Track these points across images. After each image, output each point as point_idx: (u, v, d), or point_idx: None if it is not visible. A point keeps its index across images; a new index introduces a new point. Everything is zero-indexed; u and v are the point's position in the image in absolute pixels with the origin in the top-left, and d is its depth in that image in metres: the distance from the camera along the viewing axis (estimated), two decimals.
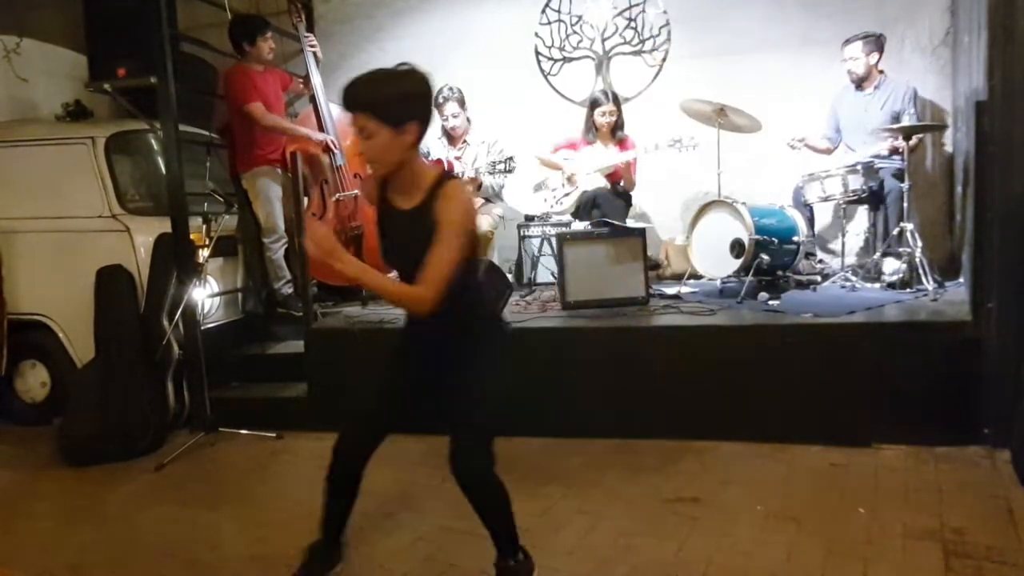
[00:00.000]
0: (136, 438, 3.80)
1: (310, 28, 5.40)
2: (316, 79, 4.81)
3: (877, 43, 4.40)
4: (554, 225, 4.89)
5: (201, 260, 4.02)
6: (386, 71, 2.17)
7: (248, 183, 4.58)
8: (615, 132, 4.82)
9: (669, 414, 3.50)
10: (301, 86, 4.88)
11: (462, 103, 4.92)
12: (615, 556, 2.48)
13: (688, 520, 2.70)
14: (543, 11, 5.41)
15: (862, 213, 4.86)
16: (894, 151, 4.29)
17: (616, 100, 4.81)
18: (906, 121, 4.25)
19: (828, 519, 2.63)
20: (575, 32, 5.39)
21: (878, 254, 4.25)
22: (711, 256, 4.30)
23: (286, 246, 4.67)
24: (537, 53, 5.45)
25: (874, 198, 4.29)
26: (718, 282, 4.40)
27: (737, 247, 4.12)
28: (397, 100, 2.03)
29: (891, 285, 4.03)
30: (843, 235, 4.42)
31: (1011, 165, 2.99)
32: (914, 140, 4.17)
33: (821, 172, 4.26)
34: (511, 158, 4.74)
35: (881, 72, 4.48)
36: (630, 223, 4.54)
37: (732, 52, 5.04)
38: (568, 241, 4.13)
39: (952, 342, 3.19)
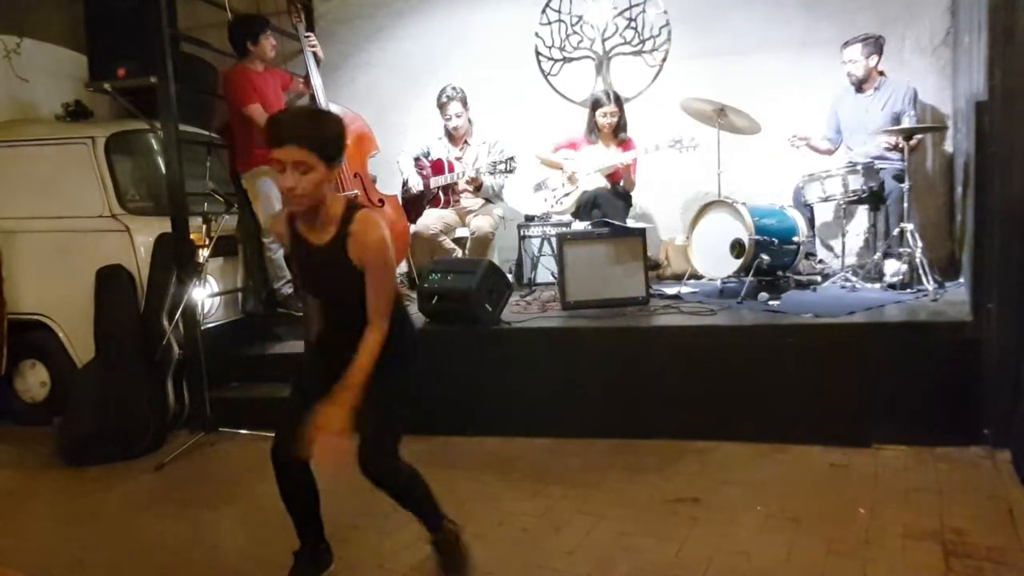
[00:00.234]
0: (136, 438, 3.80)
1: (310, 28, 5.40)
2: (316, 79, 4.81)
3: (876, 45, 4.40)
4: (554, 225, 4.89)
5: (201, 260, 4.02)
6: (318, 110, 2.46)
7: (248, 183, 4.58)
8: (617, 133, 4.82)
9: (669, 414, 3.50)
10: (302, 85, 4.89)
11: (464, 103, 4.92)
12: (615, 556, 2.48)
13: (688, 520, 2.70)
14: (543, 11, 5.41)
15: (862, 213, 4.85)
16: (893, 148, 4.29)
17: (618, 101, 4.81)
18: (906, 122, 4.24)
19: (828, 519, 2.63)
20: (575, 32, 5.39)
21: (878, 254, 4.25)
22: (711, 256, 4.30)
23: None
24: (537, 53, 5.45)
25: (874, 198, 4.29)
26: (718, 282, 4.40)
27: (737, 247, 4.12)
28: (334, 139, 2.10)
29: (891, 285, 4.03)
30: (843, 235, 4.42)
31: (1011, 165, 2.99)
32: (914, 140, 4.18)
33: (821, 172, 4.26)
34: (512, 158, 4.75)
35: (881, 74, 4.48)
36: (630, 223, 4.54)
37: (732, 52, 5.04)
38: (568, 241, 4.13)
39: (952, 342, 3.19)
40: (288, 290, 4.68)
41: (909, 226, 3.97)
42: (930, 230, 4.51)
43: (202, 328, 4.06)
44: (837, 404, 3.30)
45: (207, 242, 4.04)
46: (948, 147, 4.74)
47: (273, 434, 2.38)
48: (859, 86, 4.51)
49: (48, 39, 5.04)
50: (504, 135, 5.03)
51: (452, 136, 5.03)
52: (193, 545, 2.81)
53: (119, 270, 4.08)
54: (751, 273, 4.04)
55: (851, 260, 4.61)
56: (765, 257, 4.02)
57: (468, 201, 5.02)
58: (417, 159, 5.06)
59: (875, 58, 4.41)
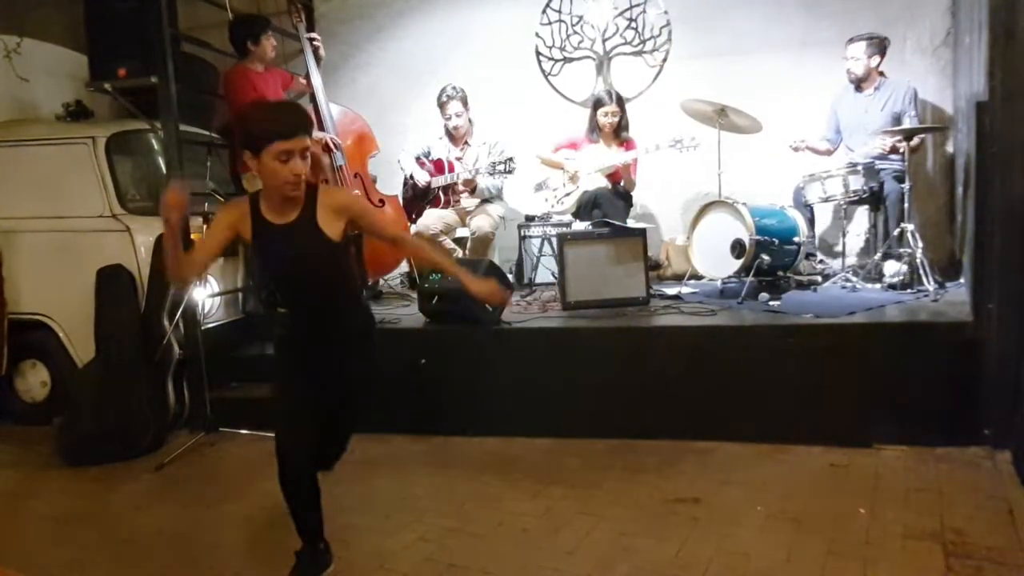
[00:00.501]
0: (136, 438, 3.80)
1: (310, 28, 5.40)
2: (316, 79, 4.81)
3: (880, 46, 4.40)
4: (555, 225, 4.89)
5: None
6: (287, 101, 2.60)
7: (249, 183, 4.55)
8: (618, 132, 4.81)
9: (669, 414, 3.50)
10: (303, 84, 4.88)
11: (465, 103, 4.92)
12: (615, 556, 2.48)
13: (688, 520, 2.70)
14: (543, 11, 5.41)
15: (863, 214, 4.85)
16: (893, 150, 4.29)
17: (620, 101, 4.80)
18: (907, 122, 4.25)
19: (828, 519, 2.62)
20: (576, 32, 5.39)
21: (879, 255, 4.24)
22: (712, 256, 4.30)
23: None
24: (538, 53, 5.45)
25: (875, 199, 4.29)
26: (719, 282, 4.40)
27: (738, 247, 4.11)
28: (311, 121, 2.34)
29: (892, 286, 4.02)
30: (844, 236, 4.41)
31: (1012, 166, 2.98)
32: (915, 141, 4.17)
33: (822, 173, 4.26)
34: (511, 159, 4.75)
35: (881, 74, 4.48)
36: (631, 223, 4.54)
37: (733, 52, 5.04)
38: (569, 241, 4.13)
39: (953, 343, 3.19)
40: None
41: (909, 226, 3.96)
42: (930, 230, 4.51)
43: (202, 328, 4.06)
44: (837, 404, 3.29)
45: None
46: (949, 147, 4.74)
47: (277, 432, 2.40)
48: (858, 85, 4.51)
49: (48, 39, 5.05)
50: (504, 135, 5.03)
51: (452, 136, 5.02)
52: (193, 545, 2.81)
53: (119, 270, 4.08)
54: (751, 273, 4.04)
55: (852, 260, 4.61)
56: (766, 257, 4.02)
57: (468, 201, 5.02)
58: (417, 159, 5.06)
59: (877, 58, 4.41)
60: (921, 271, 3.93)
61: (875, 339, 3.33)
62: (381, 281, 5.26)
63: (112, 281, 4.07)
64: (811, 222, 4.52)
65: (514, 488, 3.09)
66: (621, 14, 5.28)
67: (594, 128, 4.83)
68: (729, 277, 4.27)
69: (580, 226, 4.54)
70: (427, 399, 3.78)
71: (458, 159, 5.00)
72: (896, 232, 4.05)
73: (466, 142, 5.03)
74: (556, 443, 3.55)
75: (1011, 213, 2.99)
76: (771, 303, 3.91)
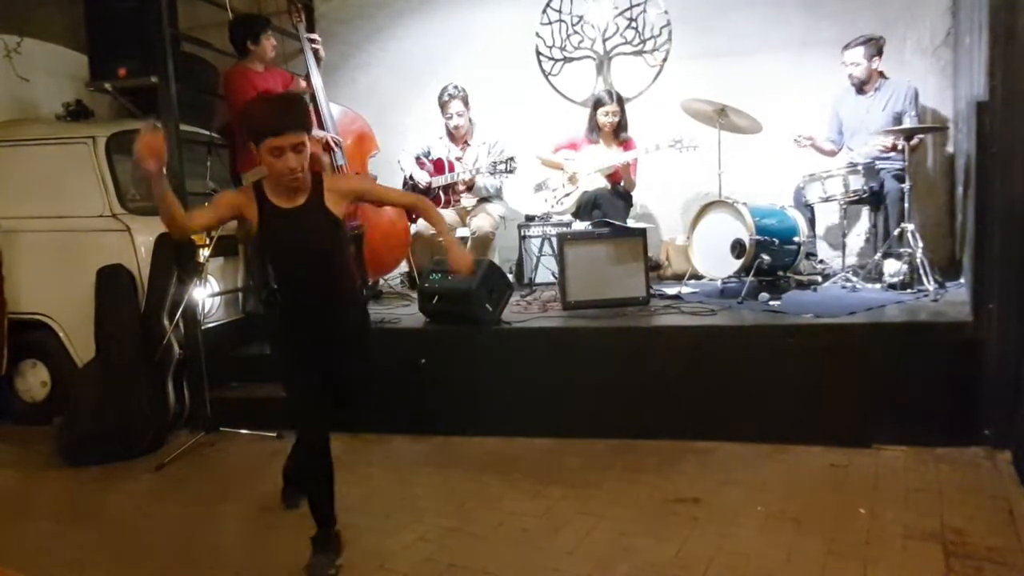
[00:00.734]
0: (136, 438, 3.80)
1: (310, 28, 5.40)
2: (316, 79, 4.81)
3: (877, 46, 4.40)
4: (555, 225, 4.89)
5: (202, 260, 4.01)
6: (284, 95, 2.85)
7: (249, 183, 4.57)
8: (618, 132, 4.82)
9: (670, 414, 3.50)
10: (303, 84, 4.88)
11: (466, 102, 4.92)
12: (615, 556, 2.48)
13: (688, 521, 2.70)
14: (544, 11, 5.41)
15: (863, 213, 4.86)
16: (893, 148, 4.29)
17: (620, 100, 4.81)
18: (907, 122, 4.25)
19: (828, 519, 2.62)
20: (576, 32, 5.39)
21: (879, 255, 4.24)
22: (712, 256, 4.30)
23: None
24: (538, 53, 5.46)
25: (875, 199, 4.29)
26: (719, 282, 4.40)
27: (738, 247, 4.11)
28: (309, 113, 2.45)
29: (892, 286, 4.02)
30: (844, 236, 4.41)
31: (1012, 166, 2.98)
32: (915, 140, 4.17)
33: (822, 172, 4.26)
34: (512, 158, 4.75)
35: (881, 74, 4.48)
36: (631, 223, 4.54)
37: (733, 52, 5.04)
38: (569, 241, 4.13)
39: (953, 343, 3.19)
40: None
41: (910, 226, 3.96)
42: (931, 230, 4.52)
43: (202, 328, 4.06)
44: (837, 404, 3.29)
45: (208, 242, 4.04)
46: (949, 147, 4.74)
47: (295, 420, 2.53)
48: (860, 87, 4.51)
49: (49, 39, 5.05)
50: (504, 135, 5.03)
51: (453, 136, 5.03)
52: (193, 545, 2.81)
53: (120, 270, 4.08)
54: (752, 273, 4.04)
55: (852, 260, 4.61)
56: (766, 257, 4.02)
57: (468, 201, 5.01)
58: (418, 159, 5.06)
59: (876, 59, 4.41)
60: (921, 271, 3.93)
61: (875, 339, 3.33)
62: (381, 281, 5.26)
63: (112, 281, 4.06)
64: (811, 222, 4.52)
65: (514, 488, 3.09)
66: (621, 14, 5.28)
67: (594, 128, 4.83)
68: (729, 277, 4.27)
69: (580, 226, 4.54)
70: (427, 399, 3.78)
71: (458, 159, 5.00)
72: (896, 232, 4.05)
73: (466, 142, 5.03)
74: (556, 443, 3.55)
75: (1011, 213, 2.99)
76: (771, 303, 3.90)
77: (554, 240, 4.65)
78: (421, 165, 5.03)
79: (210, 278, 4.21)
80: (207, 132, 4.82)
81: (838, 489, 2.88)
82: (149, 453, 3.77)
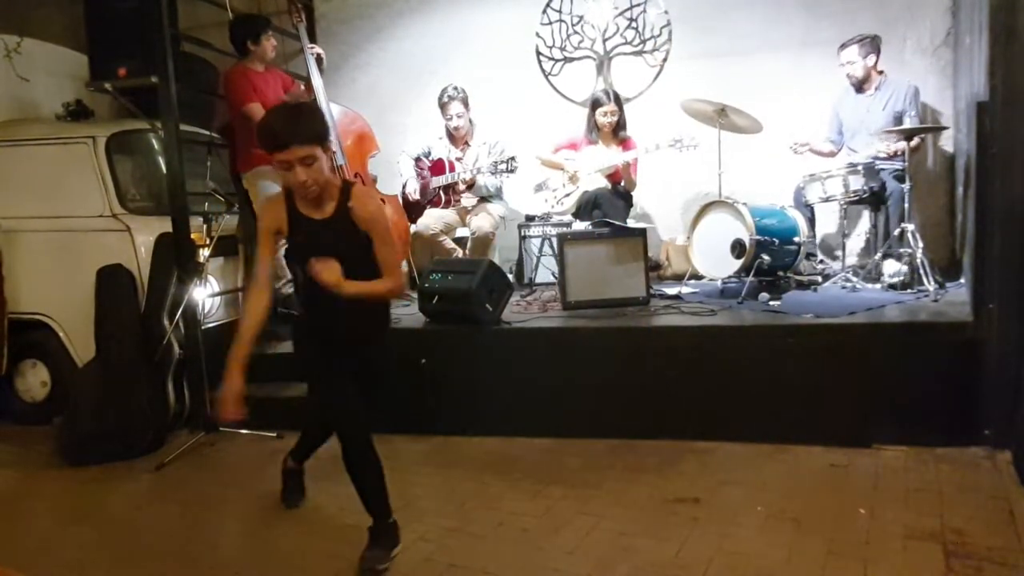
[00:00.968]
0: (136, 438, 3.80)
1: (311, 28, 5.41)
2: (317, 81, 4.80)
3: (873, 45, 4.40)
4: (555, 225, 4.89)
5: (202, 260, 4.02)
6: (296, 105, 2.73)
7: (249, 183, 4.57)
8: (617, 132, 4.82)
9: (670, 414, 3.50)
10: (303, 89, 4.88)
11: (466, 103, 4.92)
12: (615, 556, 2.48)
13: (688, 521, 2.69)
14: (544, 11, 5.41)
15: (863, 214, 4.85)
16: (895, 154, 4.29)
17: (618, 100, 4.80)
18: (908, 121, 4.24)
19: (828, 520, 2.62)
20: (576, 32, 5.39)
21: (879, 255, 4.24)
22: (712, 256, 4.30)
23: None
24: (538, 53, 5.46)
25: (875, 199, 4.29)
26: (719, 282, 4.40)
27: (738, 247, 4.11)
28: (322, 124, 2.36)
29: (892, 286, 4.02)
30: (844, 236, 4.41)
31: (1012, 166, 2.98)
32: (915, 140, 4.17)
33: (822, 173, 4.26)
34: (513, 158, 4.75)
35: (880, 73, 4.48)
36: (631, 223, 4.54)
37: (733, 52, 5.04)
38: (569, 241, 4.13)
39: (953, 343, 3.19)
40: (288, 290, 4.67)
41: (910, 226, 3.96)
42: (931, 230, 4.51)
43: (202, 328, 4.06)
44: (838, 404, 3.29)
45: (208, 242, 4.04)
46: (949, 147, 4.74)
47: (332, 416, 2.55)
48: (859, 86, 4.51)
49: (49, 38, 5.05)
50: (504, 135, 5.03)
51: (453, 136, 5.03)
52: (193, 545, 2.81)
53: (120, 270, 4.08)
54: (752, 273, 4.04)
55: (852, 260, 4.61)
56: (766, 257, 4.02)
57: (468, 200, 5.02)
58: (418, 159, 5.06)
59: (873, 58, 4.41)
60: (921, 271, 3.93)
61: (875, 339, 3.33)
62: None
63: (112, 281, 4.07)
64: (811, 222, 4.52)
65: (514, 488, 3.09)
66: (621, 14, 5.28)
67: (592, 128, 4.83)
68: (729, 277, 4.27)
69: (580, 226, 4.54)
70: (427, 399, 3.78)
71: (458, 159, 5.00)
72: (896, 232, 4.05)
73: (466, 142, 5.03)
74: (556, 443, 3.55)
75: (1011, 213, 2.99)
76: (771, 303, 3.90)
77: (554, 240, 4.65)
78: (421, 166, 5.03)
79: (210, 278, 4.21)
80: (207, 132, 4.82)
81: (838, 489, 2.88)
82: (149, 453, 3.77)
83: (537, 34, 5.44)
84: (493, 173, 4.84)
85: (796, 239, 4.23)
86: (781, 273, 4.30)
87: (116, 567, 2.68)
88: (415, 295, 4.23)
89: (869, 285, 4.09)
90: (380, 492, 2.50)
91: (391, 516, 2.51)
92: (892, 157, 4.31)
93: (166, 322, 3.99)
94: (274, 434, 3.87)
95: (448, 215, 4.96)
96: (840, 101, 4.65)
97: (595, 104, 4.80)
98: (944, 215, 4.77)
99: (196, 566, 2.64)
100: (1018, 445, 2.88)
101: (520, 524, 2.76)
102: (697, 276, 4.59)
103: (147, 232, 4.15)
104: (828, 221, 4.90)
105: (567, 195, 4.91)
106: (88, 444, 3.74)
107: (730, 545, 2.50)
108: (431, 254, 4.80)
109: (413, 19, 5.76)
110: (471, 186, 4.97)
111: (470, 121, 5.01)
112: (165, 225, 4.08)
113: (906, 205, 4.01)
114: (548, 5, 5.40)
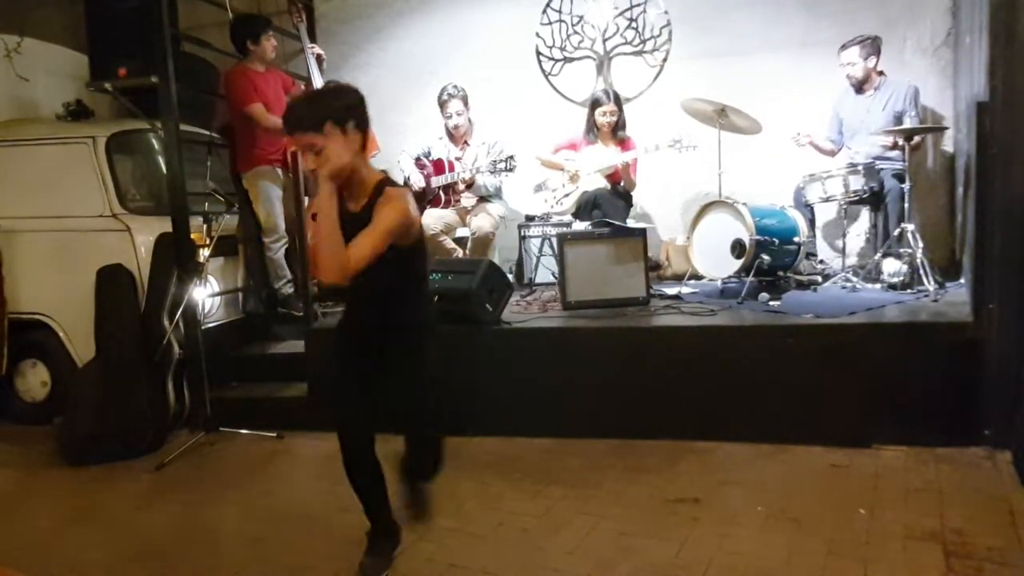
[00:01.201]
0: (136, 438, 3.80)
1: (311, 28, 5.41)
2: (317, 81, 4.81)
3: (873, 46, 4.40)
4: (555, 225, 4.89)
5: (202, 260, 4.02)
6: (318, 91, 2.70)
7: (249, 183, 4.58)
8: (616, 132, 4.82)
9: (670, 414, 3.50)
10: (303, 89, 4.88)
11: (465, 102, 4.92)
12: (615, 556, 2.48)
13: (688, 520, 2.70)
14: (544, 11, 5.41)
15: (863, 214, 4.86)
16: (893, 148, 4.29)
17: (617, 100, 4.80)
18: (908, 121, 4.25)
19: (828, 520, 2.62)
20: (576, 32, 5.39)
21: (879, 255, 4.24)
22: (712, 256, 4.30)
23: (287, 246, 4.67)
24: (538, 53, 5.45)
25: (875, 199, 4.29)
26: (719, 282, 4.40)
27: (738, 247, 4.11)
28: (337, 110, 2.18)
29: (892, 286, 4.02)
30: (844, 236, 4.41)
31: (1012, 166, 2.98)
32: (915, 140, 4.18)
33: (822, 172, 4.26)
34: (512, 157, 4.74)
35: (880, 73, 4.48)
36: (631, 223, 4.54)
37: (733, 52, 5.04)
38: (569, 241, 4.13)
39: (953, 343, 3.19)
40: (288, 290, 4.68)
41: (910, 226, 3.96)
42: (931, 230, 4.51)
43: (202, 328, 4.06)
44: (838, 405, 3.29)
45: (208, 242, 4.04)
46: (949, 147, 4.74)
47: (336, 415, 2.45)
48: (859, 87, 4.51)
49: (49, 38, 5.05)
50: (504, 135, 5.03)
51: (452, 136, 5.02)
52: (193, 545, 2.81)
53: (119, 270, 4.08)
54: (752, 273, 4.04)
55: (852, 260, 4.61)
56: (766, 257, 4.02)
57: (468, 200, 5.02)
58: (418, 159, 5.06)
59: (873, 59, 4.41)
60: (921, 271, 3.93)
61: (875, 339, 3.33)
62: None
63: (112, 281, 4.07)
64: (811, 222, 4.52)
65: (514, 488, 3.09)
66: (621, 14, 5.28)
67: (591, 128, 4.83)
68: (729, 277, 4.27)
69: (580, 226, 4.54)
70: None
71: (458, 159, 5.00)
72: (896, 232, 4.05)
73: (466, 142, 5.03)
74: (556, 443, 3.55)
75: (1011, 213, 2.99)
76: (771, 303, 3.90)
77: (554, 240, 4.65)
78: (421, 166, 5.03)
79: (210, 278, 4.22)
80: (207, 132, 4.82)
81: (838, 489, 2.88)
82: (149, 453, 3.77)
83: (537, 34, 5.44)
84: (492, 172, 4.83)
85: (796, 239, 4.23)
86: (781, 273, 4.30)
87: (116, 567, 2.68)
88: None
89: (869, 285, 4.09)
90: (379, 496, 2.47)
91: (391, 520, 2.49)
92: (892, 148, 4.30)
93: (166, 322, 3.99)
94: (274, 434, 3.87)
95: (448, 215, 4.96)
96: (840, 101, 4.65)
97: (595, 104, 4.80)
98: (944, 215, 4.77)
99: (196, 566, 2.64)
100: (1018, 445, 2.88)
101: (520, 524, 2.76)
102: (697, 276, 4.59)
103: (147, 232, 4.15)
104: (828, 221, 4.90)
105: (567, 195, 4.91)
106: (88, 444, 3.74)
107: (730, 545, 2.50)
108: (431, 254, 4.80)
109: (413, 19, 5.76)
110: (470, 186, 4.97)
111: (469, 120, 5.01)
112: (165, 225, 4.08)
113: (906, 205, 4.01)
114: (548, 5, 5.40)
